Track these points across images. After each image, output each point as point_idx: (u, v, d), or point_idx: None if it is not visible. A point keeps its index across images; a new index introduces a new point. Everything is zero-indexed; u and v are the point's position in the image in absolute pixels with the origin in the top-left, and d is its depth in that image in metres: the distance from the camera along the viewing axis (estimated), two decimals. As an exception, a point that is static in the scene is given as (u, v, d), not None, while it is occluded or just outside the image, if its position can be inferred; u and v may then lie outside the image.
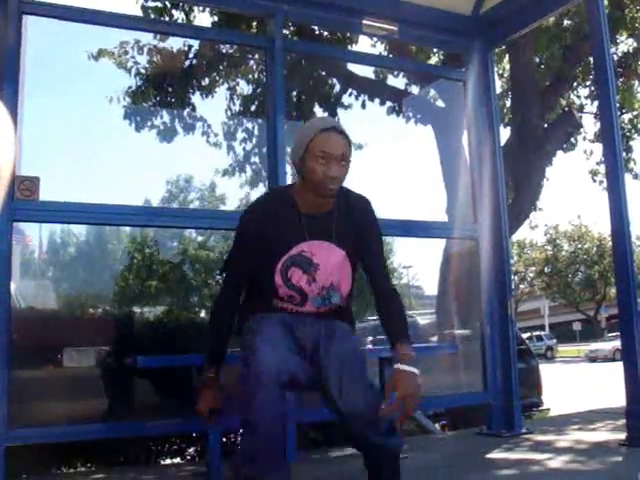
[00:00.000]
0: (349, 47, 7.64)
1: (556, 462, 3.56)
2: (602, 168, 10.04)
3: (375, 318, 3.07)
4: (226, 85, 8.23)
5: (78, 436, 3.68)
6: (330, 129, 2.54)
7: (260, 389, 2.33)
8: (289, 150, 2.99)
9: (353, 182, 2.77)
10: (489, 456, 3.87)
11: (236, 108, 8.33)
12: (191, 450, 5.00)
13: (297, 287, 2.62)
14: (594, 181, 10.45)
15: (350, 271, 2.69)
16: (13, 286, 3.93)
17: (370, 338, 8.64)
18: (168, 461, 4.86)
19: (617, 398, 4.71)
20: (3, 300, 3.35)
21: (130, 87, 7.99)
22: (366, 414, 2.50)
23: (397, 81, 8.38)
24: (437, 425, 7.04)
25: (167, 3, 6.99)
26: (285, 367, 2.40)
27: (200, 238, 24.19)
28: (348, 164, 2.57)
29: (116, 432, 3.81)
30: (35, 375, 4.52)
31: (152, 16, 6.95)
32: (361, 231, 2.69)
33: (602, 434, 4.45)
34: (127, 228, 20.12)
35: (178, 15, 7.29)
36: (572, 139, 9.33)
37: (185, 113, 8.16)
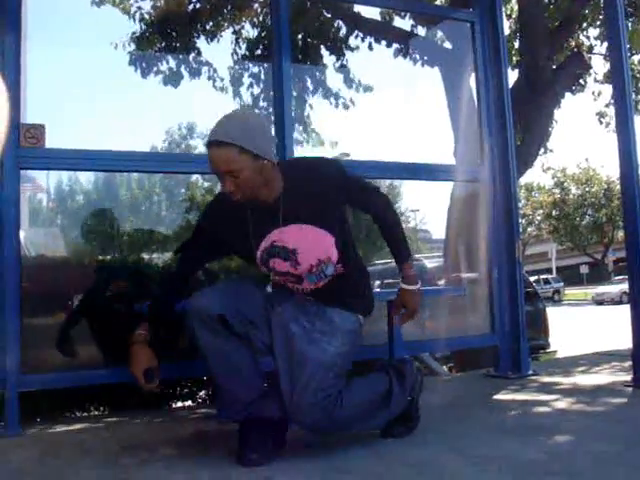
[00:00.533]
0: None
1: (562, 403, 3.61)
2: (610, 110, 9.94)
3: (382, 262, 3.13)
4: (231, 29, 8.12)
5: (89, 381, 3.74)
6: (210, 144, 2.45)
7: (195, 328, 2.58)
8: (295, 94, 2.98)
9: (361, 125, 2.77)
10: (496, 397, 3.92)
11: (242, 52, 8.22)
12: (202, 393, 5.07)
13: (285, 272, 2.63)
14: (601, 123, 10.34)
15: (332, 240, 2.63)
16: (22, 234, 3.95)
17: (377, 282, 8.69)
18: (179, 404, 4.93)
19: (623, 340, 4.74)
20: (13, 248, 3.37)
21: (134, 33, 7.88)
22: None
23: (404, 23, 8.25)
24: (444, 367, 7.11)
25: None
26: (219, 302, 2.56)
27: (207, 184, 24.13)
28: (244, 171, 2.44)
29: (127, 377, 3.86)
30: (46, 322, 4.56)
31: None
32: (328, 198, 2.63)
33: (608, 376, 4.49)
34: (135, 175, 20.06)
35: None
36: (581, 80, 9.21)
37: (190, 58, 8.06)
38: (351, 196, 2.76)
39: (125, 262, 5.37)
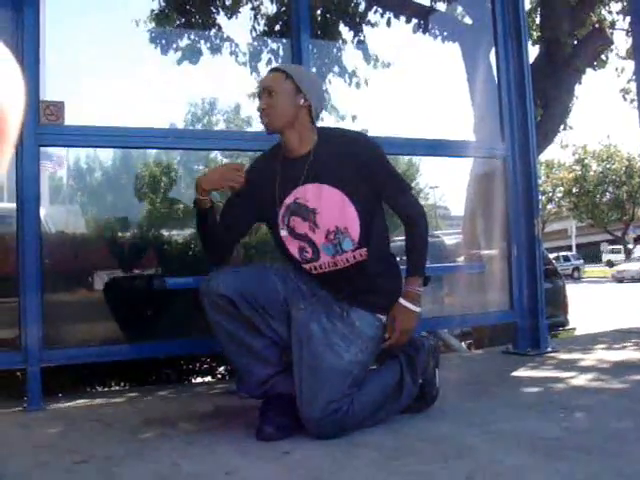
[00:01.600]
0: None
1: (580, 380, 3.60)
2: (634, 85, 9.81)
3: (401, 238, 3.07)
4: (250, 5, 8.09)
5: (110, 357, 3.77)
6: (269, 70, 2.75)
7: (208, 310, 2.60)
8: (314, 70, 2.98)
9: (380, 101, 2.76)
10: (514, 374, 3.92)
11: (261, 28, 8.20)
12: (221, 369, 5.11)
13: (303, 234, 2.63)
14: (625, 99, 10.21)
15: (355, 214, 2.61)
16: (43, 211, 3.98)
17: (397, 258, 8.68)
18: (199, 380, 4.98)
19: (644, 318, 4.73)
20: (33, 225, 3.40)
21: (153, 10, 7.89)
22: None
23: (423, -2, 8.19)
24: (463, 344, 7.12)
25: None
26: (232, 284, 2.55)
27: (226, 160, 24.13)
28: (280, 94, 2.58)
29: (147, 352, 3.91)
30: (67, 298, 4.60)
31: None
32: (357, 169, 2.61)
33: (627, 353, 4.48)
34: (153, 151, 20.10)
35: None
36: (603, 56, 9.10)
37: (211, 34, 8.06)
38: (384, 181, 2.70)
39: (144, 239, 5.40)
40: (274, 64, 8.16)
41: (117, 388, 4.76)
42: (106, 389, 4.72)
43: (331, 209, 2.60)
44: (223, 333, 2.62)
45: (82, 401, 3.68)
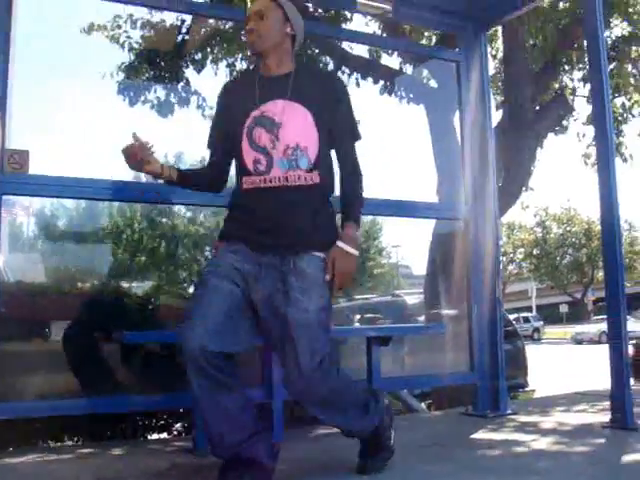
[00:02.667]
0: (343, 25, 7.59)
1: (540, 443, 3.60)
2: (594, 151, 10.01)
3: (363, 297, 3.08)
4: (225, 62, 8.16)
5: (64, 411, 3.67)
6: None
7: (190, 372, 2.50)
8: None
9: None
10: (474, 436, 3.91)
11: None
12: (178, 426, 5.02)
13: (261, 147, 2.67)
14: (586, 164, 10.41)
15: (317, 138, 2.70)
16: (1, 259, 3.93)
17: (358, 316, 8.67)
18: (155, 436, 4.88)
19: (602, 381, 4.75)
20: (-9, 273, 3.34)
21: (123, 62, 7.92)
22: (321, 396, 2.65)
23: (391, 60, 8.36)
24: (423, 404, 7.09)
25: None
26: (213, 338, 2.49)
27: (189, 214, 24.12)
28: (271, 19, 2.73)
29: (102, 407, 3.82)
30: (22, 348, 4.52)
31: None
32: (328, 99, 2.76)
33: (586, 416, 4.50)
34: (117, 203, 20.02)
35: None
36: (564, 122, 9.32)
37: (179, 87, 8.11)
38: (345, 122, 2.83)
39: (104, 290, 5.34)
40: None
41: (70, 443, 4.65)
42: (59, 444, 4.60)
43: (296, 127, 2.68)
44: (204, 399, 2.56)
45: (33, 456, 3.57)
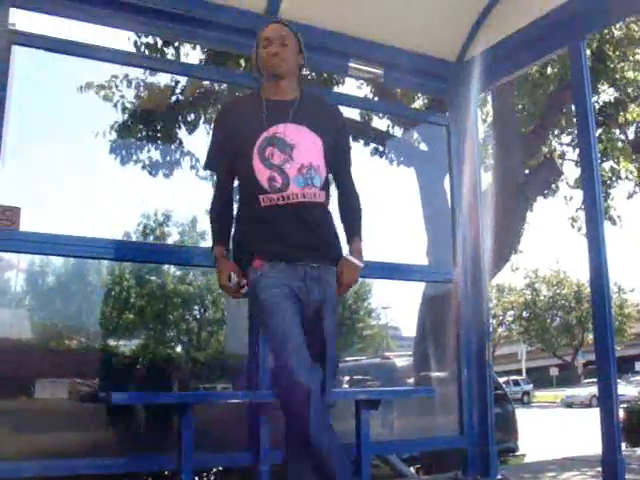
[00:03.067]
0: (335, 88, 7.70)
1: (531, 510, 3.55)
2: (582, 214, 10.11)
3: (354, 359, 3.11)
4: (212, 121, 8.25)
5: (46, 472, 3.59)
6: (276, 21, 3.01)
7: (310, 421, 2.47)
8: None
9: (335, 224, 2.87)
10: (464, 502, 3.84)
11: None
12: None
13: (276, 165, 2.74)
14: (573, 227, 10.49)
15: (324, 158, 2.84)
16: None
17: (347, 378, 8.60)
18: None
19: (593, 445, 4.71)
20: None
21: (117, 121, 8.00)
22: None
23: (381, 123, 8.46)
24: (412, 468, 6.99)
25: (157, 40, 7.03)
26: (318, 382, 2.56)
27: (179, 272, 24.05)
28: (291, 47, 2.90)
29: (85, 468, 3.75)
30: (6, 406, 4.46)
31: (145, 51, 7.00)
32: (332, 125, 2.95)
33: (576, 482, 4.44)
34: (106, 260, 19.99)
35: (168, 51, 7.34)
36: (553, 185, 9.42)
37: (172, 148, 8.17)
38: (344, 149, 3.04)
39: (91, 348, 5.30)
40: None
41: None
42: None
43: (307, 148, 2.81)
44: (327, 435, 2.56)
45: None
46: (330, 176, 2.96)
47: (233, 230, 2.93)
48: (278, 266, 2.71)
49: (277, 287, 2.67)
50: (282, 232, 2.74)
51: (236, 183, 2.98)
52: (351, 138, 6.95)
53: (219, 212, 2.95)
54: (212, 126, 3.11)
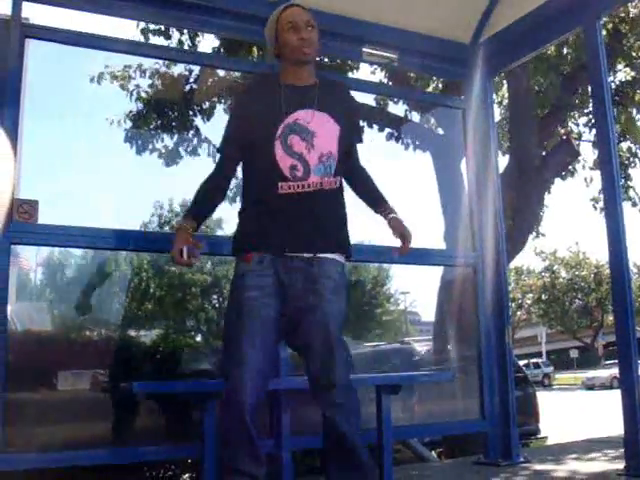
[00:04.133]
0: (349, 74, 7.67)
1: (554, 492, 3.54)
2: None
3: (372, 344, 3.09)
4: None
5: (71, 462, 3.64)
6: (290, 5, 2.89)
7: (235, 429, 2.53)
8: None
9: (351, 208, 2.86)
10: (486, 486, 3.84)
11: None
12: (186, 476, 4.97)
13: (298, 153, 2.73)
14: (595, 209, 10.38)
15: (340, 144, 2.81)
16: (9, 308, 3.92)
17: (367, 363, 8.60)
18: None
19: (615, 427, 4.69)
20: (0, 323, 3.33)
21: (131, 111, 8.01)
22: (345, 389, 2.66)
23: (397, 108, 8.42)
24: (433, 453, 7.00)
25: (170, 29, 7.04)
26: (260, 388, 2.58)
27: (197, 262, 24.08)
28: (315, 30, 2.84)
29: (109, 458, 3.78)
30: (30, 398, 4.49)
31: (155, 41, 7.01)
32: (347, 108, 2.93)
33: (600, 464, 4.43)
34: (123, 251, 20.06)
35: (182, 38, 7.36)
36: (571, 167, 9.35)
37: (188, 135, 8.17)
38: (357, 131, 3.06)
39: (112, 339, 5.33)
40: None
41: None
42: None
43: (326, 135, 2.78)
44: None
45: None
46: None
47: (237, 222, 2.88)
48: (267, 259, 2.71)
49: (257, 289, 2.67)
50: (289, 218, 2.71)
51: (240, 178, 2.95)
52: (366, 123, 6.95)
53: (206, 190, 2.88)
54: (230, 111, 3.10)
